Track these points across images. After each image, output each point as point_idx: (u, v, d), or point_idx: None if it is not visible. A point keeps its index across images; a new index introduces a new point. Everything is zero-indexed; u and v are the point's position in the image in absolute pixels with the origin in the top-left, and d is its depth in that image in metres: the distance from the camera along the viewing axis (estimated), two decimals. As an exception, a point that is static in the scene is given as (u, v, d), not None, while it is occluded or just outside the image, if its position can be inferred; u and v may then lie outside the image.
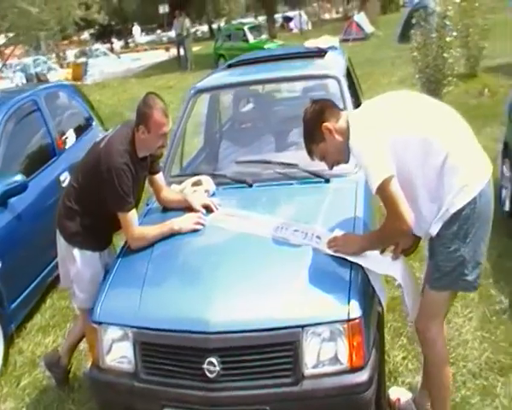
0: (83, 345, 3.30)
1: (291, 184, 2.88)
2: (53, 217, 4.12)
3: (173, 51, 22.82)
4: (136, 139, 2.62)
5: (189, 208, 2.77)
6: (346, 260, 2.25)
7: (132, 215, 2.62)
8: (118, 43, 38.17)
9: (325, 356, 2.08)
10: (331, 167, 2.42)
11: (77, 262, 2.76)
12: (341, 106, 3.22)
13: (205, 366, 2.08)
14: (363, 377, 2.06)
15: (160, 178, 2.90)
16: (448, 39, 8.51)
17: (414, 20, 18.03)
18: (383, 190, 2.11)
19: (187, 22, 19.82)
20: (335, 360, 2.08)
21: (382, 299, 2.33)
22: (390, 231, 2.22)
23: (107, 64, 23.54)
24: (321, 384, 2.06)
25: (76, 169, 2.84)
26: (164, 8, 24.82)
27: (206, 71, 17.77)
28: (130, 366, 2.24)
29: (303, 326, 2.05)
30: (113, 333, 2.29)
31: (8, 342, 3.63)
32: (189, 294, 2.23)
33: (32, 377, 3.40)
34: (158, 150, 2.70)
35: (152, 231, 2.64)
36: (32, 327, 3.96)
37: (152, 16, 39.10)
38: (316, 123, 2.28)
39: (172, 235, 2.61)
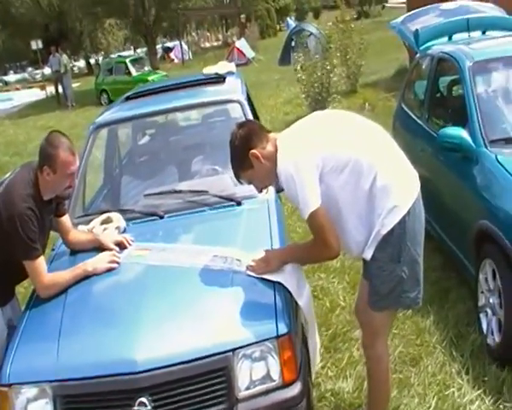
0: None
1: (203, 211, 2.89)
2: None
3: (50, 89, 21.88)
4: (41, 181, 2.49)
5: (100, 248, 2.68)
6: (267, 279, 2.29)
7: (40, 262, 2.47)
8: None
9: (257, 376, 2.09)
10: (260, 191, 2.46)
11: (-23, 321, 2.55)
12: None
13: (135, 407, 2.00)
14: (295, 390, 2.10)
15: (66, 219, 2.77)
16: (335, 61, 9.08)
17: (293, 43, 19.01)
18: (312, 219, 2.14)
19: (65, 58, 19.15)
20: (268, 377, 2.10)
21: (307, 309, 2.39)
22: (316, 256, 2.30)
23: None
24: (256, 405, 2.07)
25: None
26: (37, 44, 23.75)
27: (88, 108, 17.50)
28: None
29: (233, 350, 2.05)
30: (27, 393, 2.10)
31: None
32: (112, 336, 2.14)
33: None
34: (65, 191, 2.59)
35: (63, 276, 2.50)
36: None
37: (21, 53, 37.18)
38: (243, 150, 2.24)
39: (86, 277, 2.50)
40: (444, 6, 6.10)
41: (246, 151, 2.24)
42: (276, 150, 2.24)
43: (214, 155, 3.65)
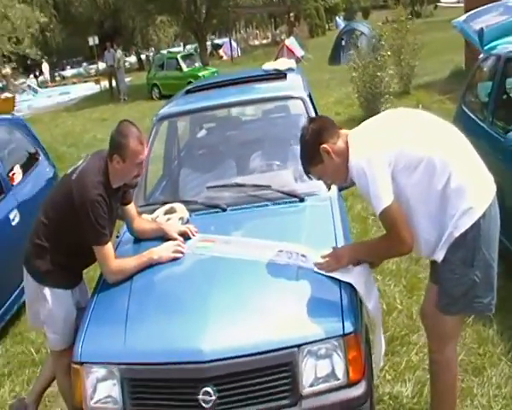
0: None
1: (266, 205, 2.89)
2: (3, 257, 3.96)
3: (104, 83, 22.47)
4: (110, 169, 2.54)
5: (164, 237, 2.72)
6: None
7: (109, 248, 2.54)
8: (41, 77, 37.12)
9: (322, 373, 2.08)
10: (329, 187, 2.44)
11: (48, 302, 2.63)
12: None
13: (200, 396, 2.03)
14: (360, 390, 2.08)
15: (132, 208, 2.83)
16: (388, 61, 8.90)
17: (343, 43, 18.77)
18: (386, 215, 2.11)
19: (118, 53, 19.60)
20: (332, 375, 2.09)
21: (375, 311, 2.36)
22: (389, 251, 2.27)
23: (35, 98, 22.76)
24: (320, 402, 2.06)
25: (45, 203, 2.70)
26: (93, 40, 24.48)
27: (140, 102, 17.83)
28: (118, 406, 2.14)
29: (299, 345, 2.04)
30: (97, 372, 2.18)
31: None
32: (179, 324, 2.17)
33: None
34: (133, 180, 2.64)
35: (130, 262, 2.56)
36: (-16, 378, 3.67)
37: (78, 49, 38.43)
38: (314, 144, 2.23)
39: (151, 265, 2.55)
40: (510, 2, 5.86)
41: (317, 146, 2.23)
42: (347, 147, 2.23)
43: (274, 151, 3.65)
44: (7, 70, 22.01)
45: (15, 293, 4.16)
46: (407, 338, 3.26)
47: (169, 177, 3.81)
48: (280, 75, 4.06)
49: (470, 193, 2.13)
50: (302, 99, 3.51)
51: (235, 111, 4.27)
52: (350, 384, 2.07)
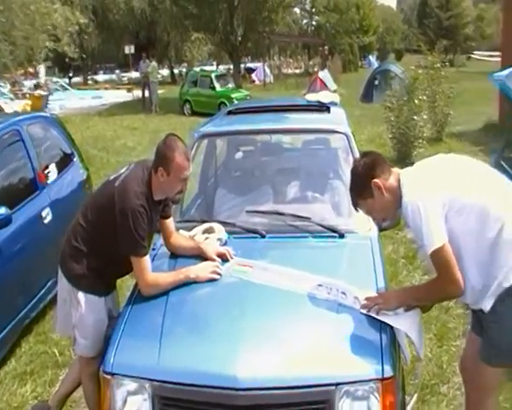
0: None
1: (305, 237, 2.87)
2: (32, 255, 3.98)
3: (137, 93, 22.79)
4: (154, 181, 2.55)
5: (201, 256, 2.71)
6: (373, 317, 2.24)
7: (146, 260, 2.53)
8: (75, 79, 37.77)
9: None
10: (378, 224, 2.43)
11: (81, 306, 2.62)
12: (350, 161, 3.30)
13: None
14: (393, 437, 2.03)
15: (170, 222, 2.82)
16: (417, 102, 8.91)
17: (376, 82, 18.89)
18: (440, 254, 2.10)
19: (155, 65, 19.89)
20: None
21: (407, 357, 2.32)
22: (440, 293, 2.23)
23: (67, 99, 23.15)
24: None
25: (85, 206, 2.72)
26: (129, 49, 24.99)
27: (170, 115, 18.02)
28: None
29: (337, 384, 2.00)
30: (128, 386, 2.15)
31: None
32: (214, 347, 2.14)
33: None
34: (176, 196, 2.64)
35: (166, 278, 2.54)
36: (6, 375, 3.63)
37: (111, 56, 39.16)
38: (366, 178, 2.25)
39: (187, 283, 2.53)
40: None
41: (369, 179, 2.25)
42: (399, 185, 2.24)
43: (313, 183, 3.65)
44: (41, 68, 22.29)
45: (42, 291, 4.18)
46: (436, 388, 3.19)
47: (205, 195, 3.81)
48: (323, 108, 4.08)
49: None
50: (346, 135, 3.51)
51: (274, 137, 4.28)
52: None
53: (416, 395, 2.50)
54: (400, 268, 4.96)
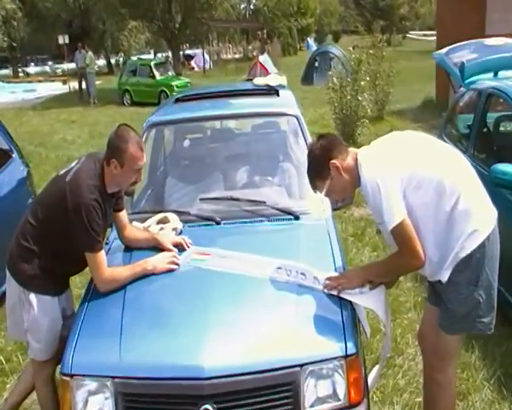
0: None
1: (260, 221, 2.87)
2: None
3: (73, 84, 22.01)
4: (107, 174, 2.47)
5: (156, 247, 2.65)
6: (334, 296, 2.27)
7: (102, 256, 2.45)
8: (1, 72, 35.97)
9: (323, 393, 2.06)
10: (336, 204, 2.44)
11: (33, 309, 2.51)
12: (302, 143, 3.31)
13: None
14: (361, 411, 2.07)
15: (123, 215, 2.75)
16: (362, 83, 9.08)
17: (316, 64, 19.12)
18: (400, 230, 2.14)
19: (90, 55, 19.25)
20: (334, 396, 2.07)
21: (367, 332, 2.37)
22: (403, 267, 2.29)
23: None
24: None
25: (34, 204, 2.60)
26: (63, 39, 24.02)
27: (110, 106, 17.59)
28: None
29: (301, 365, 2.02)
30: (89, 385, 2.08)
31: None
32: (178, 339, 2.10)
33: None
34: (130, 187, 2.57)
35: (123, 272, 2.48)
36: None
37: (43, 46, 37.45)
38: (324, 159, 2.27)
39: (145, 276, 2.48)
40: (488, 42, 6.09)
41: (326, 161, 2.27)
42: (356, 164, 2.27)
43: (264, 167, 3.64)
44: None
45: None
46: (392, 361, 3.28)
47: (154, 186, 3.73)
48: (271, 91, 4.07)
49: (476, 216, 2.20)
50: (297, 117, 3.52)
51: (224, 123, 4.23)
52: (350, 406, 2.06)
53: (378, 367, 2.56)
54: (350, 246, 5.06)
